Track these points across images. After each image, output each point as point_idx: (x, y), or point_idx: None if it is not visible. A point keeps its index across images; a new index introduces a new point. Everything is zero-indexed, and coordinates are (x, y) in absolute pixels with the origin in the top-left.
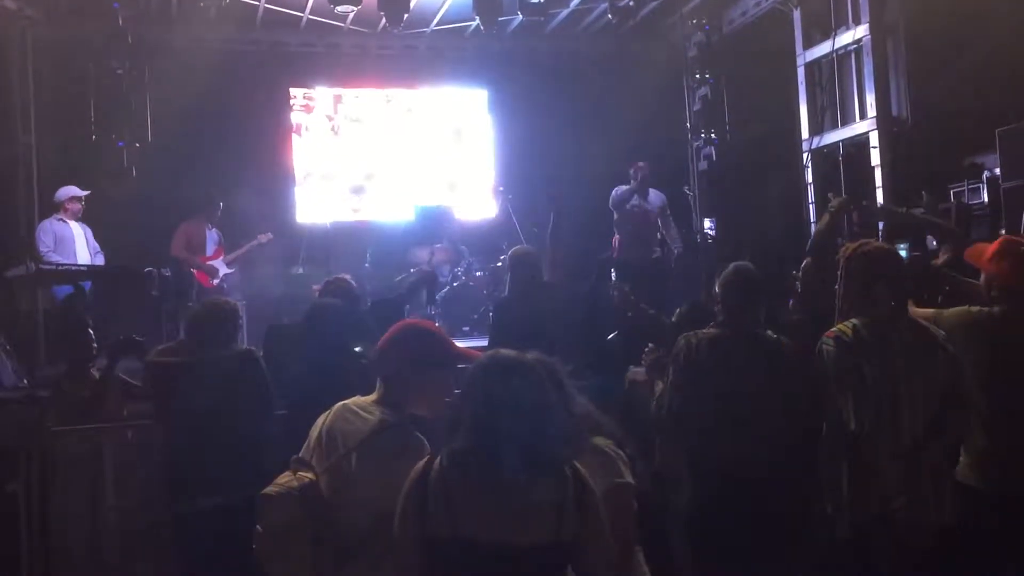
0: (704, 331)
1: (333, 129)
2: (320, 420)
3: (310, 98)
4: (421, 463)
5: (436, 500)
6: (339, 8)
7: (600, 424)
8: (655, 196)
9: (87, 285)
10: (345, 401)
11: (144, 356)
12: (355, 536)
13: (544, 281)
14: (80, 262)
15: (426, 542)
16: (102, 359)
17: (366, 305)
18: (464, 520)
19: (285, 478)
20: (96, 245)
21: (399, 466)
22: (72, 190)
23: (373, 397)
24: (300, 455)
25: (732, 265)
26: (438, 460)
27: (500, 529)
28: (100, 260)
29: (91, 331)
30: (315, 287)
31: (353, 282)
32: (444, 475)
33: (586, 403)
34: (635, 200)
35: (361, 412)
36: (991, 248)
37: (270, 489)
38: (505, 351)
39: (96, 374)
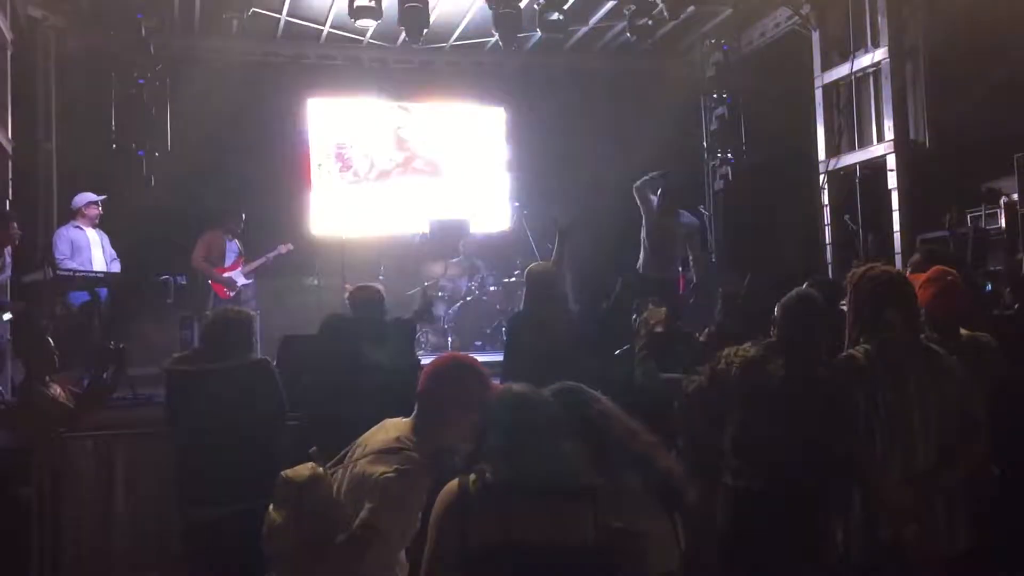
0: (744, 349)
1: (351, 142)
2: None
3: (329, 110)
4: (452, 486)
5: (481, 515)
6: (359, 22)
7: (648, 454)
8: (686, 217)
9: (103, 292)
10: (386, 421)
11: (123, 364)
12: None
13: (559, 299)
14: (96, 269)
15: (469, 557)
16: (82, 370)
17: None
18: (514, 526)
19: (304, 467)
20: (113, 252)
21: (391, 484)
22: (88, 196)
23: (409, 419)
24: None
25: (796, 291)
26: (473, 480)
27: (547, 531)
28: (117, 267)
29: (51, 340)
30: (347, 286)
31: (382, 289)
32: (488, 491)
33: (625, 420)
34: (655, 207)
35: (389, 429)
36: (924, 276)
37: (286, 472)
38: (516, 387)
39: (56, 388)
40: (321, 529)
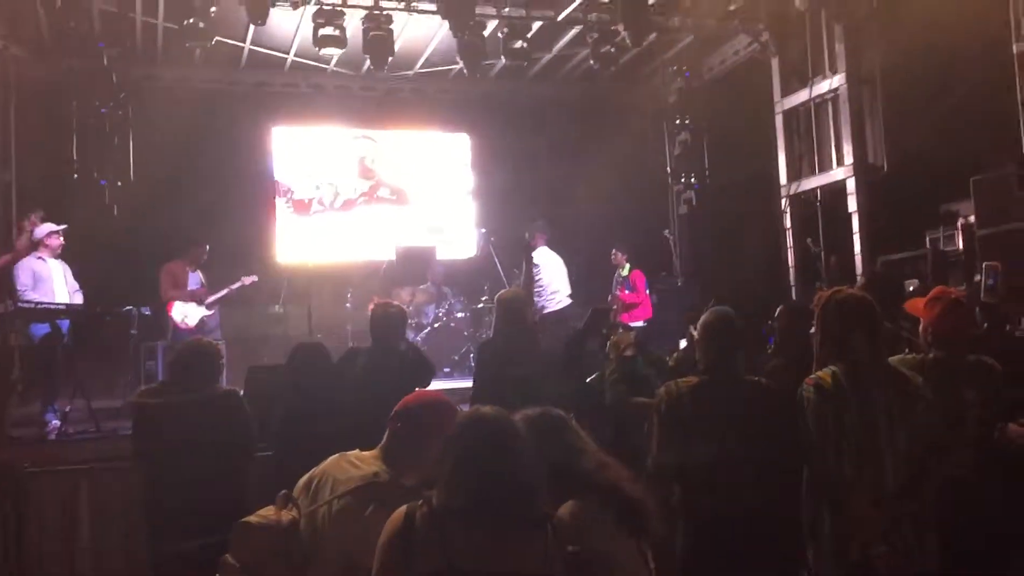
0: (685, 379)
1: (316, 169)
2: (317, 467)
3: (293, 139)
4: (399, 514)
5: (426, 541)
6: (324, 50)
7: (615, 483)
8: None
9: (64, 324)
10: (346, 452)
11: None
12: None
13: (529, 325)
14: (58, 300)
15: None
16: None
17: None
18: (457, 553)
19: (269, 511)
20: (75, 284)
21: (378, 521)
22: (49, 226)
23: (375, 452)
24: (288, 493)
25: (711, 310)
26: (420, 506)
27: (493, 560)
28: (79, 298)
29: None
30: (375, 298)
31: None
32: (434, 517)
33: (595, 449)
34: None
35: (357, 463)
36: (927, 297)
37: (251, 519)
38: (485, 409)
39: None
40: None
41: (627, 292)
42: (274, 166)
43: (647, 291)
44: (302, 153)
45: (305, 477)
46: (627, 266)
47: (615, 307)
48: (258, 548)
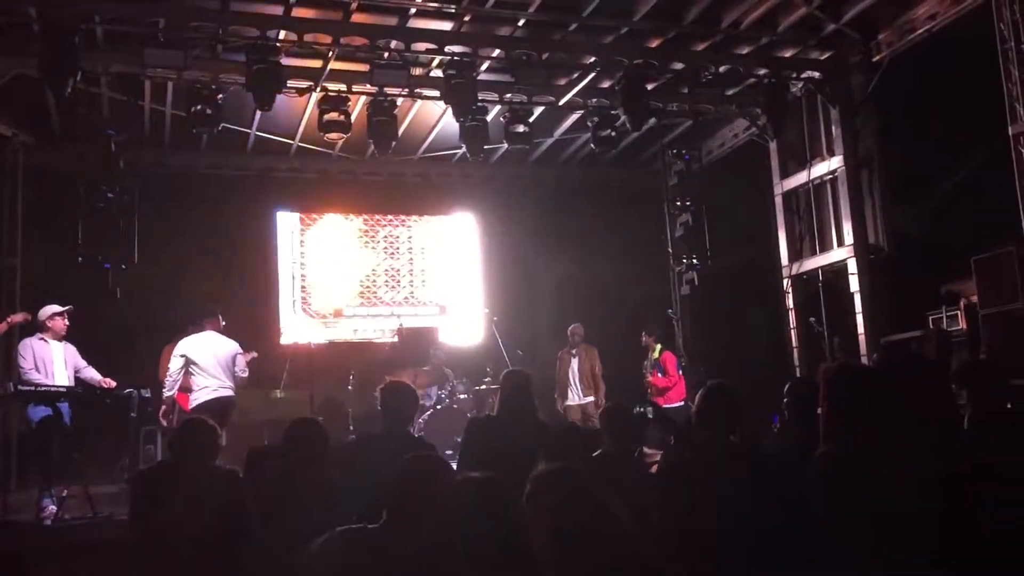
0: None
1: (320, 252)
2: None
3: (297, 223)
4: None
5: None
6: (328, 136)
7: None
8: None
9: (64, 407)
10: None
11: None
12: None
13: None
14: (58, 383)
15: None
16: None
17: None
18: None
19: None
20: (83, 362)
21: None
22: (53, 308)
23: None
24: None
25: (709, 382)
26: None
27: None
28: (91, 373)
29: None
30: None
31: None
32: None
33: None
34: None
35: None
36: None
37: None
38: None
39: None
40: None
41: (659, 376)
42: (279, 249)
43: (679, 372)
44: (306, 234)
45: None
46: (657, 348)
47: (649, 391)
48: None
